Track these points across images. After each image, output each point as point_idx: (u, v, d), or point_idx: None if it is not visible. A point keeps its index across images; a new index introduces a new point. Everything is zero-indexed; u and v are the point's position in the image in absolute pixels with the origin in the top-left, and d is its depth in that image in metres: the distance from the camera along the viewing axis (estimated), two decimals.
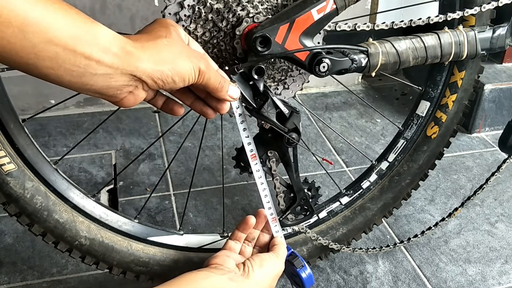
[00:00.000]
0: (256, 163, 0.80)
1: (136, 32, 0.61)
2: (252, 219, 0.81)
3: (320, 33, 0.82)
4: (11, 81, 0.95)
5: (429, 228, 1.16)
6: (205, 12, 0.76)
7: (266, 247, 0.86)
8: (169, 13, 0.75)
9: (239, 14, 0.77)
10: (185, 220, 1.26)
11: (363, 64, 0.83)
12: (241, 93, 0.78)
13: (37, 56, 0.48)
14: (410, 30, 0.88)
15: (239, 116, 0.76)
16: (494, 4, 0.88)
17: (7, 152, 0.80)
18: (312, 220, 1.06)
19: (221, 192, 1.34)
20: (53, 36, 0.47)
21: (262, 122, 0.83)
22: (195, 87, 0.66)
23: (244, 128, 0.76)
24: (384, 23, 0.85)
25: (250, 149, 0.78)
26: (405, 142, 1.06)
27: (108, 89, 0.54)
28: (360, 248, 1.11)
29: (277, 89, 0.88)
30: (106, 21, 0.54)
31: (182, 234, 1.00)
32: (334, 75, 0.84)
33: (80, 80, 0.51)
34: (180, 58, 0.57)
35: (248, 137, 0.78)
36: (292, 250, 0.88)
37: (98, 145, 1.52)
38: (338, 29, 0.83)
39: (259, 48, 0.76)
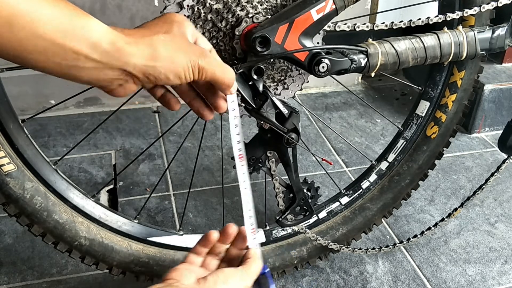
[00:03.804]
0: (243, 165, 0.72)
1: (137, 26, 0.60)
2: (213, 235, 0.72)
3: (319, 33, 0.82)
4: (10, 82, 0.95)
5: (429, 229, 1.16)
6: (204, 13, 0.76)
7: (238, 261, 0.75)
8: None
9: (238, 14, 0.77)
10: (185, 220, 1.26)
11: (362, 64, 0.83)
12: (241, 93, 0.78)
13: (26, 49, 0.47)
14: (410, 30, 0.88)
15: (232, 110, 0.69)
16: (494, 4, 0.88)
17: (7, 152, 0.81)
18: (311, 221, 1.06)
19: (220, 192, 1.34)
20: (42, 31, 0.47)
21: (262, 122, 0.83)
22: (196, 83, 0.65)
23: (235, 125, 0.70)
24: (383, 23, 0.85)
25: (238, 148, 0.71)
26: (405, 142, 1.06)
27: (97, 81, 0.53)
28: (360, 249, 1.11)
29: (277, 89, 0.88)
30: (106, 21, 0.54)
31: (181, 235, 1.00)
32: (334, 75, 0.85)
33: (68, 72, 0.51)
34: (176, 55, 0.56)
35: (238, 134, 0.70)
36: (267, 269, 0.76)
37: (98, 145, 1.52)
38: (337, 29, 0.83)
39: (259, 48, 0.76)
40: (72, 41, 0.49)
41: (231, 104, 0.68)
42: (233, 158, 0.94)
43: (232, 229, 0.73)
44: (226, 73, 0.61)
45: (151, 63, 0.54)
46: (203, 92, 0.67)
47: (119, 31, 0.53)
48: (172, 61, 0.55)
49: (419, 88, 1.04)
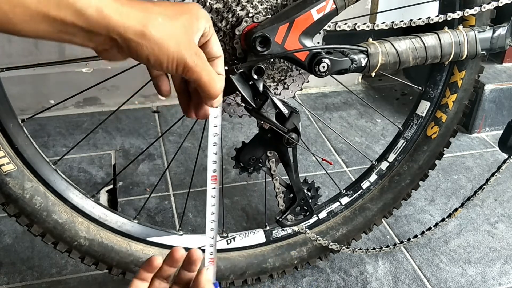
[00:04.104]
0: (214, 188, 0.65)
1: None
2: (157, 261, 0.67)
3: (320, 33, 0.82)
4: (10, 81, 0.95)
5: (429, 229, 1.15)
6: None
7: (189, 284, 0.70)
8: None
9: (238, 14, 0.77)
10: (185, 220, 1.26)
11: (363, 64, 0.83)
12: (241, 93, 0.78)
13: (12, 21, 0.46)
14: (410, 30, 0.88)
15: (214, 127, 0.63)
16: (494, 4, 0.88)
17: (6, 152, 0.80)
18: (312, 221, 1.06)
19: (220, 192, 1.33)
20: (25, 1, 0.46)
21: (262, 122, 0.83)
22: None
23: (214, 143, 0.63)
24: (384, 23, 0.85)
25: (213, 169, 0.64)
26: (405, 142, 1.06)
27: (85, 44, 0.52)
28: (360, 249, 1.11)
29: (277, 89, 0.88)
30: None
31: (181, 235, 1.00)
32: (334, 75, 0.84)
33: (58, 37, 0.50)
34: (166, 42, 0.52)
35: (216, 154, 0.63)
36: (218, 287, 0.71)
37: (98, 145, 1.52)
38: (338, 29, 0.83)
39: (259, 48, 0.75)
40: (56, 9, 0.47)
41: (213, 119, 0.62)
42: (233, 158, 0.95)
43: (179, 253, 0.67)
44: (212, 83, 0.57)
45: (136, 39, 0.51)
46: (192, 89, 0.63)
47: None
48: (159, 46, 0.52)
49: (420, 88, 1.03)
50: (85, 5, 0.48)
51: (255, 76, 0.78)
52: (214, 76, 0.57)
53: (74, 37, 0.50)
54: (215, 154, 0.64)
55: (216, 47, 0.60)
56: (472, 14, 0.89)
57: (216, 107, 0.61)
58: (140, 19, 0.51)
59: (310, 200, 0.96)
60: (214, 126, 0.63)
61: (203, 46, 0.58)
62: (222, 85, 0.59)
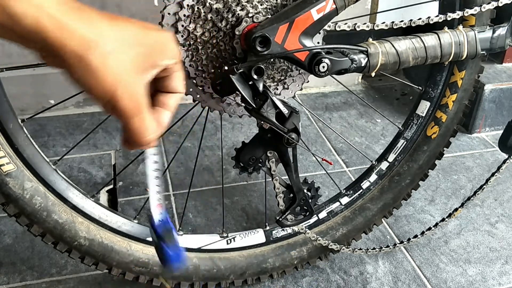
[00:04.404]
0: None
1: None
2: None
3: (319, 33, 0.82)
4: (10, 82, 0.95)
5: (429, 229, 1.15)
6: (204, 12, 0.76)
7: None
8: (169, 13, 0.75)
9: (238, 14, 0.77)
10: (185, 220, 1.26)
11: (362, 64, 0.83)
12: (241, 93, 0.78)
13: None
14: (410, 30, 0.88)
15: (154, 163, 0.59)
16: (494, 4, 0.88)
17: (6, 152, 0.80)
18: (312, 221, 1.06)
19: (220, 192, 1.33)
20: None
21: (262, 122, 0.83)
22: None
23: (156, 176, 0.59)
24: (384, 23, 0.85)
25: (158, 198, 0.61)
26: (405, 142, 1.06)
27: (25, 47, 0.46)
28: (360, 249, 1.11)
29: (277, 89, 0.88)
30: None
31: (181, 235, 1.00)
32: (334, 75, 0.84)
33: (6, 38, 0.45)
34: (104, 74, 0.45)
35: (159, 186, 0.60)
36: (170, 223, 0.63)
37: (98, 145, 1.52)
38: (337, 29, 0.83)
39: (259, 48, 0.75)
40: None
41: (151, 156, 0.57)
42: (233, 158, 0.95)
43: None
44: (140, 133, 0.49)
45: (72, 61, 0.45)
46: None
47: (69, 7, 0.44)
48: (94, 76, 0.45)
49: (420, 88, 1.03)
50: (21, 12, 0.43)
51: (255, 76, 0.78)
52: (146, 125, 0.49)
53: (14, 40, 0.46)
54: (158, 186, 0.59)
55: (175, 84, 0.52)
56: (472, 14, 0.89)
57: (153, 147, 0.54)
58: (84, 42, 0.44)
59: (310, 200, 0.96)
60: (154, 162, 0.58)
61: (162, 78, 0.51)
62: (151, 135, 0.50)
